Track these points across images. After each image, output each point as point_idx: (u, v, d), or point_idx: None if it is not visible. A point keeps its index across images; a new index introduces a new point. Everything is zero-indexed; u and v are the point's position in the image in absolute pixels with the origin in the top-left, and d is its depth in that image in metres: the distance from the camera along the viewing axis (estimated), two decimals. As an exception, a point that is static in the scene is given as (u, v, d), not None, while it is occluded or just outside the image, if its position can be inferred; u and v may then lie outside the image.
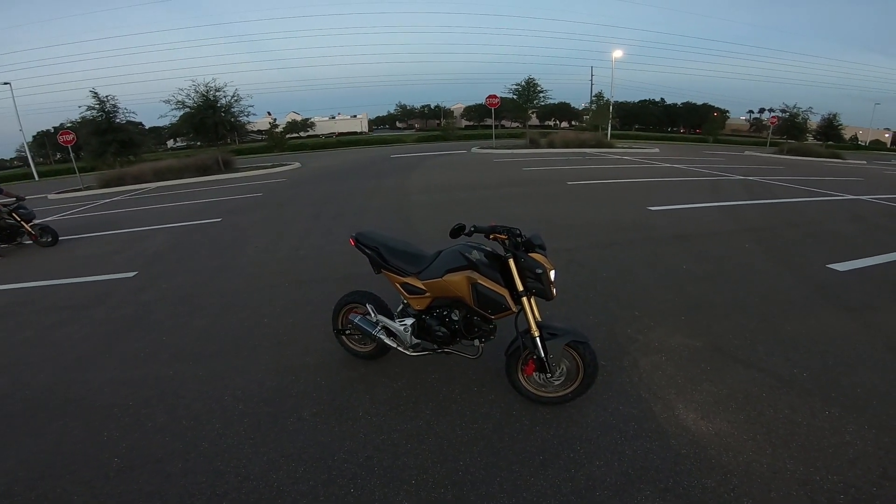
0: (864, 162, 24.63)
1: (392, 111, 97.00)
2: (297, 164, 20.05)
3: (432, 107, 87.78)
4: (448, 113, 75.94)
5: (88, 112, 18.11)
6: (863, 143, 63.25)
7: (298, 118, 75.29)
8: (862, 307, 3.65)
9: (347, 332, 2.98)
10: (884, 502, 1.82)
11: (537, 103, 27.22)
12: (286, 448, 2.25)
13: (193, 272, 5.18)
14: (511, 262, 2.25)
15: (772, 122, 30.71)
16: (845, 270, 4.50)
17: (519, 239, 2.30)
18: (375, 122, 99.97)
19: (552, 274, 2.24)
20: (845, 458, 2.05)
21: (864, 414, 2.35)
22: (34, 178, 30.46)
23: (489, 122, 25.08)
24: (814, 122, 31.66)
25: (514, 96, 26.66)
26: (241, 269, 5.19)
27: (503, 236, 2.28)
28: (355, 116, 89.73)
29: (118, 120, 18.63)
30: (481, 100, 28.73)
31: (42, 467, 2.21)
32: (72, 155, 18.46)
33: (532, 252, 2.28)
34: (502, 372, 2.59)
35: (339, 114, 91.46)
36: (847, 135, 53.10)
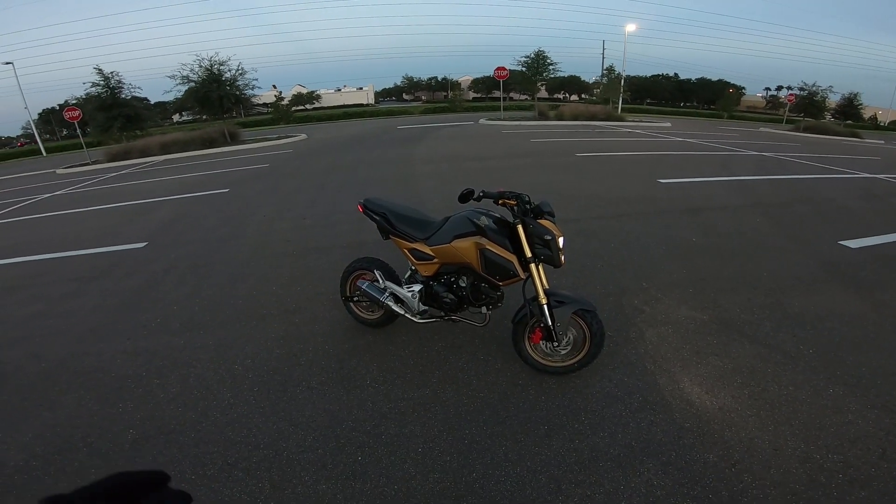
0: (882, 141, 23.92)
1: (398, 83, 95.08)
2: (303, 136, 19.86)
3: (439, 79, 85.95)
4: (455, 85, 74.55)
5: (93, 88, 18.02)
6: (882, 124, 61.35)
7: (304, 91, 74.24)
8: (872, 285, 3.60)
9: (355, 298, 3.00)
10: (881, 483, 1.80)
11: (547, 76, 26.62)
12: (295, 417, 2.29)
13: (202, 242, 5.21)
14: (519, 227, 2.23)
15: (789, 100, 29.96)
16: (857, 248, 4.42)
17: (528, 205, 2.26)
18: (381, 95, 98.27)
19: (561, 241, 2.22)
20: (846, 437, 2.04)
21: (867, 394, 2.33)
22: (42, 153, 30.82)
23: (497, 94, 24.56)
24: (833, 100, 30.74)
25: (523, 69, 26.07)
26: (249, 238, 5.21)
27: (512, 202, 2.24)
28: (361, 89, 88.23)
29: (123, 95, 18.59)
30: (489, 72, 28.13)
31: (59, 441, 2.22)
32: (78, 131, 18.75)
33: (541, 218, 2.25)
34: (509, 342, 2.60)
35: (344, 86, 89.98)
36: (867, 115, 51.62)
